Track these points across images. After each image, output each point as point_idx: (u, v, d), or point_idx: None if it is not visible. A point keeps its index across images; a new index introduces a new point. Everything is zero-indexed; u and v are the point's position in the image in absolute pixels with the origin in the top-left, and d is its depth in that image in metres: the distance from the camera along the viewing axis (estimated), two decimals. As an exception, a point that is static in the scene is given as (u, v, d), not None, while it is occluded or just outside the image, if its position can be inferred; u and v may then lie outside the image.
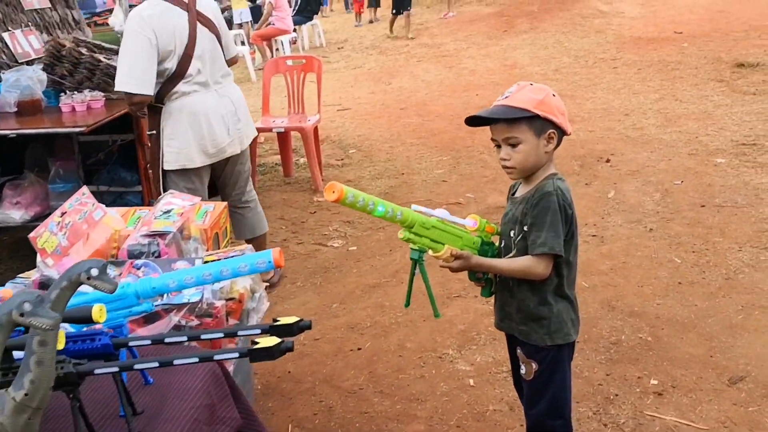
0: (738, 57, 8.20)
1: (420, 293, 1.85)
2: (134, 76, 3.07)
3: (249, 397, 2.52)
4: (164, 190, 3.34)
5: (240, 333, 1.28)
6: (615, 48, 9.66)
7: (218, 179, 3.61)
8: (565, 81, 8.18)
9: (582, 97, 7.41)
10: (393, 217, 1.70)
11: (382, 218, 1.70)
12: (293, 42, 12.10)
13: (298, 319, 1.27)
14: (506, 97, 1.86)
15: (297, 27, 12.25)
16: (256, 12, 13.87)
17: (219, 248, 2.33)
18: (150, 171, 3.84)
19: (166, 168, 3.33)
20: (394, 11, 12.94)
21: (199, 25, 3.26)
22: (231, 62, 3.60)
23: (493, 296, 2.02)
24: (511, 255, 1.91)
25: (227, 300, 1.93)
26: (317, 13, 13.84)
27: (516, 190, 1.99)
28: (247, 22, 13.67)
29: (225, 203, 2.47)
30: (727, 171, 4.97)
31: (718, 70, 7.87)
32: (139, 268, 1.79)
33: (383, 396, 2.78)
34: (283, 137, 5.59)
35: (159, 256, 1.87)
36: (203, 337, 1.29)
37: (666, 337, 3.05)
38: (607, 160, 5.41)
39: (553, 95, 1.86)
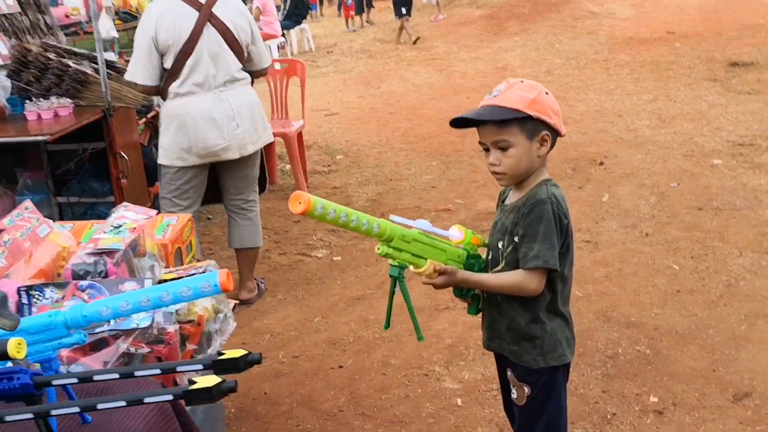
0: (732, 56, 8.07)
1: (403, 309, 1.68)
2: (136, 67, 3.27)
3: (218, 422, 2.34)
4: (159, 182, 3.50)
5: (179, 369, 1.10)
6: (607, 49, 9.52)
7: (220, 180, 3.59)
8: (557, 83, 8.02)
9: (574, 99, 7.26)
10: (369, 230, 1.52)
11: (357, 231, 1.51)
12: (281, 47, 11.93)
13: (245, 352, 1.09)
14: (495, 96, 1.67)
15: (285, 31, 12.07)
16: (244, 17, 13.66)
17: (182, 264, 2.16)
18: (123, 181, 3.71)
19: (158, 161, 3.45)
20: (404, 12, 12.35)
21: (208, 25, 3.26)
22: (259, 73, 3.62)
23: (481, 313, 1.85)
24: (499, 268, 1.74)
25: (185, 323, 1.75)
26: (306, 18, 13.65)
27: (506, 197, 1.82)
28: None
29: (189, 216, 2.30)
30: (724, 172, 4.82)
31: (711, 70, 7.73)
32: (84, 290, 1.61)
33: (365, 419, 2.60)
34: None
35: (106, 276, 1.69)
36: (137, 374, 1.12)
37: (665, 349, 2.88)
38: (601, 163, 5.25)
39: (546, 93, 1.68)
